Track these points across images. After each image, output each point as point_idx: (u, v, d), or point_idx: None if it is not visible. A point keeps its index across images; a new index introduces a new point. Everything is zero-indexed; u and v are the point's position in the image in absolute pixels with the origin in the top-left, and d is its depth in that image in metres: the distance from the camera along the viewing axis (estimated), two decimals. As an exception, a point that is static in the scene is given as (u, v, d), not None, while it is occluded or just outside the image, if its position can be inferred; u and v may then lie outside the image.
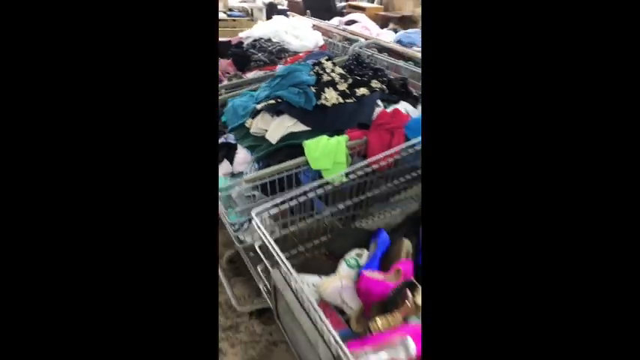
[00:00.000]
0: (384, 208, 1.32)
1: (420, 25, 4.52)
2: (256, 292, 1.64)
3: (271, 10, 4.10)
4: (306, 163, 1.15)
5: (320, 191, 1.05)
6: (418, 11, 5.18)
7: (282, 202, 1.00)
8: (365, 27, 2.43)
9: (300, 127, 1.24)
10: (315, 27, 2.27)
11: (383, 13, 4.90)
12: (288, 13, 3.01)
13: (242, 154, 1.29)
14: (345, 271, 0.99)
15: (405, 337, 0.80)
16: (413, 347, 0.77)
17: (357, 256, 1.04)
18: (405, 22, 4.43)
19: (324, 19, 2.62)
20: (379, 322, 0.84)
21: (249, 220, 1.24)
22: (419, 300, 0.90)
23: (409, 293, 0.90)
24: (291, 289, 0.83)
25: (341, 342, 0.66)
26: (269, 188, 1.14)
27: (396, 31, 2.46)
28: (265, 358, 1.45)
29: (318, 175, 1.13)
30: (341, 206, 1.14)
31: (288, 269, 0.80)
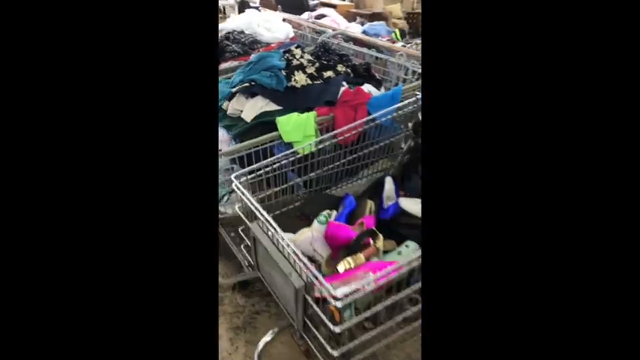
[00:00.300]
0: (352, 181, 1.49)
1: (390, 21, 4.76)
2: (238, 269, 1.77)
3: (243, 7, 4.23)
4: (279, 137, 1.30)
5: (292, 158, 1.20)
6: (388, 8, 5.44)
7: (259, 169, 1.14)
8: (334, 20, 2.61)
9: (273, 107, 1.39)
10: (286, 20, 2.42)
11: (354, 10, 5.12)
12: (260, 8, 3.15)
13: (220, 133, 1.43)
14: (316, 226, 1.14)
15: (367, 272, 0.96)
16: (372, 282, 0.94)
17: (328, 214, 1.20)
18: (375, 18, 4.66)
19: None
20: (346, 261, 1.00)
21: (230, 193, 1.38)
22: (379, 244, 1.07)
23: (370, 240, 1.07)
24: (268, 237, 0.98)
25: (311, 267, 0.81)
26: (246, 161, 1.28)
27: (363, 24, 2.65)
28: (249, 325, 1.58)
29: (290, 147, 1.28)
30: (312, 175, 1.30)
31: (266, 219, 0.95)
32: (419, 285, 0.91)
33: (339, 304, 0.75)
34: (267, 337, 1.43)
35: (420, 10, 5.54)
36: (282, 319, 1.55)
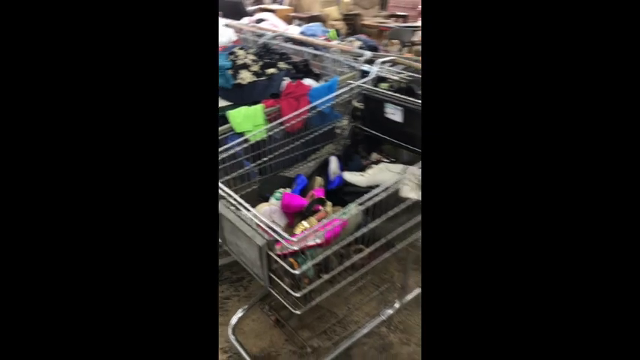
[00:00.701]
0: (302, 164, 1.68)
1: (327, 23, 5.05)
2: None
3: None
4: (232, 129, 1.46)
5: (245, 146, 1.37)
6: (326, 11, 5.77)
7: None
8: (273, 24, 2.81)
9: (223, 103, 1.55)
10: (228, 25, 2.58)
11: (293, 14, 5.38)
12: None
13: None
14: (273, 202, 1.32)
15: (320, 230, 1.16)
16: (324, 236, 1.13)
17: (282, 192, 1.38)
18: (313, 21, 4.94)
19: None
20: (301, 224, 1.19)
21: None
22: (328, 209, 1.27)
23: (320, 206, 1.27)
24: (232, 211, 1.14)
25: (271, 224, 0.99)
26: (203, 153, 1.43)
27: (300, 26, 2.87)
28: (221, 309, 1.72)
29: (241, 137, 1.45)
30: (265, 159, 1.48)
31: (228, 194, 1.11)
32: (360, 235, 1.12)
33: (295, 247, 0.94)
34: (239, 314, 1.58)
35: (355, 12, 5.92)
36: (251, 298, 1.71)
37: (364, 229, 1.11)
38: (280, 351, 1.53)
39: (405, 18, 5.80)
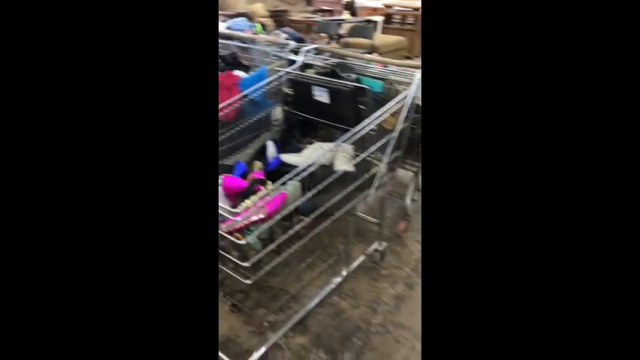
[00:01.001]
0: (240, 152, 1.76)
1: (255, 20, 5.11)
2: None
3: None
4: (166, 122, 1.49)
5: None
6: (251, 8, 5.81)
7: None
8: (197, 21, 2.81)
9: (154, 98, 1.57)
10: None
11: (220, 12, 5.34)
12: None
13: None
14: (214, 188, 1.39)
15: (263, 206, 1.25)
16: (266, 210, 1.23)
17: (222, 177, 1.45)
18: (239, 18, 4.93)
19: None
20: (244, 203, 1.27)
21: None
22: (269, 187, 1.37)
23: (261, 186, 1.36)
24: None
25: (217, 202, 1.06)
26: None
27: (225, 21, 2.91)
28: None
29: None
30: (202, 149, 1.53)
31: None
32: (300, 204, 1.24)
33: (238, 219, 1.02)
34: (193, 304, 1.62)
35: (281, 8, 6.04)
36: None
37: (302, 199, 1.23)
38: (240, 333, 1.60)
39: (331, 12, 6.04)
